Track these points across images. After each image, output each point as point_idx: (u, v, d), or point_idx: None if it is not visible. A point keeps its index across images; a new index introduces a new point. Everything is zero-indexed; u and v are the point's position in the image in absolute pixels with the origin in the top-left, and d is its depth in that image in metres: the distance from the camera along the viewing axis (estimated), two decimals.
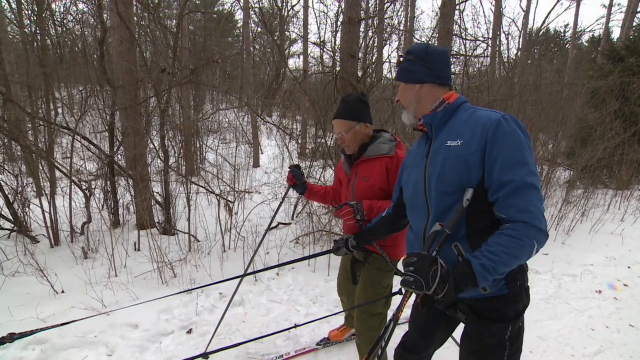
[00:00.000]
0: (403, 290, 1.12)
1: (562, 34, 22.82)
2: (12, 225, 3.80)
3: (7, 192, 3.71)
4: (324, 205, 4.49)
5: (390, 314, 2.63)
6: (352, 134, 1.73)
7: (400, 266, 1.17)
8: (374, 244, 1.68)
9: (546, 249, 4.00)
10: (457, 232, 1.05)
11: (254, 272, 2.13)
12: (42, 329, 1.53)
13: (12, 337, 1.36)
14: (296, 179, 2.05)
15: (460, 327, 1.28)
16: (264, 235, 2.43)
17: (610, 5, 14.38)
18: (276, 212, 2.39)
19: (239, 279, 2.23)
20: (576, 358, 2.26)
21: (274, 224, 4.58)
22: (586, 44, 19.16)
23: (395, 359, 1.37)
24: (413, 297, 1.11)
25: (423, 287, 0.93)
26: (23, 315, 2.51)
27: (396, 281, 2.86)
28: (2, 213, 3.76)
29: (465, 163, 1.02)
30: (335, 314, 2.26)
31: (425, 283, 0.93)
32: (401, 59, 1.23)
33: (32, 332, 1.44)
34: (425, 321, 1.29)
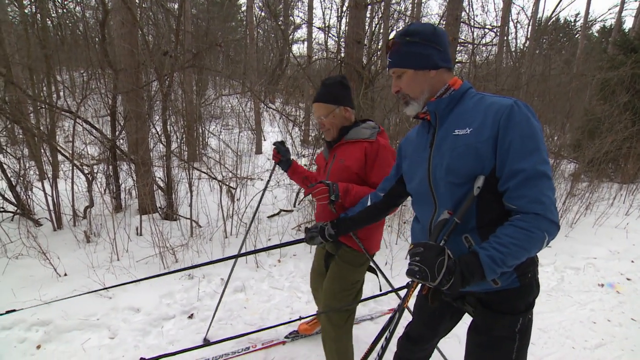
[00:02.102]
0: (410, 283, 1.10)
1: (573, 24, 22.32)
2: (15, 208, 3.80)
3: (9, 175, 3.70)
4: None
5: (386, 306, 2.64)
6: (331, 117, 1.67)
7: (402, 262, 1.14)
8: (351, 234, 1.59)
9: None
10: (467, 223, 1.01)
11: (240, 255, 2.03)
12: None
13: None
14: (281, 155, 1.96)
15: (465, 319, 1.26)
16: (258, 204, 2.37)
17: None
18: (266, 186, 2.28)
19: (234, 260, 2.17)
20: (577, 350, 2.26)
21: (275, 211, 4.57)
22: (597, 34, 18.74)
23: (399, 350, 1.36)
24: (418, 288, 1.09)
25: (428, 277, 0.90)
26: (26, 297, 2.52)
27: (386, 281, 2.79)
28: (5, 196, 3.76)
29: (475, 152, 0.98)
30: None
31: (431, 274, 0.90)
32: (401, 41, 1.09)
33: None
34: (431, 312, 1.27)
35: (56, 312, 2.35)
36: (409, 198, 1.38)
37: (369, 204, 1.44)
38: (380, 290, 1.87)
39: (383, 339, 1.06)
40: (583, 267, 3.39)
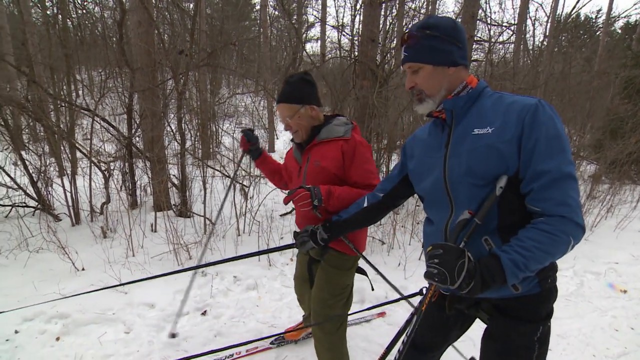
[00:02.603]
0: (424, 291, 1.06)
1: (594, 20, 21.61)
2: (36, 204, 3.91)
3: (31, 172, 3.81)
4: None
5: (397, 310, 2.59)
6: (297, 118, 1.55)
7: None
8: (342, 237, 1.48)
9: None
10: (488, 225, 0.97)
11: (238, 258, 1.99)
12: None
13: None
14: (250, 144, 1.86)
15: (478, 321, 1.22)
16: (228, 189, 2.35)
17: None
18: (226, 196, 2.24)
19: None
20: (598, 358, 2.18)
21: (288, 210, 4.57)
22: (619, 31, 18.10)
23: (404, 358, 1.31)
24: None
25: (447, 280, 0.87)
26: (46, 291, 2.59)
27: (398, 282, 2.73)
28: (27, 191, 3.87)
29: (497, 152, 0.94)
30: (359, 311, 2.17)
31: (450, 277, 0.87)
32: (419, 34, 1.02)
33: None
34: (440, 320, 1.21)
35: (74, 305, 2.40)
36: (407, 198, 1.34)
37: (365, 205, 1.36)
38: (372, 290, 1.82)
39: (400, 343, 1.03)
40: (604, 272, 3.28)
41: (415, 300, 1.17)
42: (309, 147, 1.59)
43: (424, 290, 1.03)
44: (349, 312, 1.67)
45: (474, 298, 1.06)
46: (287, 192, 1.52)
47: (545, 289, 1.01)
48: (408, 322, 1.05)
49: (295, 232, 1.57)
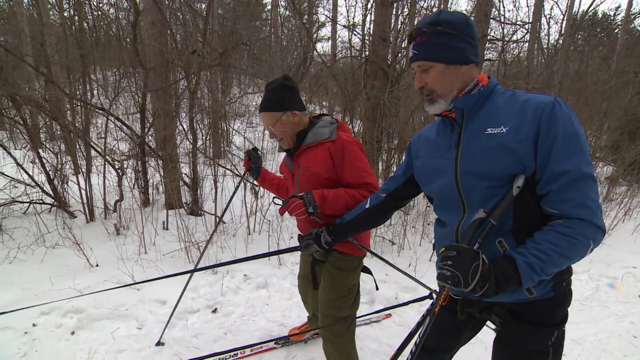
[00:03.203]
0: (433, 295, 1.04)
1: (612, 18, 21.05)
2: (53, 201, 4.01)
3: (48, 169, 3.91)
4: None
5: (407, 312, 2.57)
6: (279, 126, 1.52)
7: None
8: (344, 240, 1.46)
9: None
10: (503, 226, 0.94)
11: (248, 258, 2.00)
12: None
13: None
14: (252, 163, 1.86)
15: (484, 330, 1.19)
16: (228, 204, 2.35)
17: None
18: (230, 199, 2.24)
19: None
20: None
21: None
22: (639, 29, 17.59)
23: None
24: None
25: (461, 283, 0.85)
26: (62, 286, 2.66)
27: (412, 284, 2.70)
28: (44, 189, 3.97)
29: (512, 152, 0.90)
30: (371, 313, 2.17)
31: (464, 280, 0.85)
32: (430, 30, 0.97)
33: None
34: (450, 324, 1.18)
35: (89, 301, 2.46)
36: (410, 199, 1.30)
37: (367, 206, 1.33)
38: (377, 289, 1.81)
39: (412, 344, 1.02)
40: (621, 277, 3.19)
41: (426, 303, 1.15)
42: (297, 153, 1.58)
43: (434, 295, 1.01)
44: (358, 316, 1.66)
45: (486, 302, 1.04)
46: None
47: (560, 293, 0.98)
48: (419, 324, 1.03)
49: (299, 235, 1.56)
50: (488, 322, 1.14)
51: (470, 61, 1.00)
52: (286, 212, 1.42)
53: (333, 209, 1.43)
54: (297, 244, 1.55)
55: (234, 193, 2.28)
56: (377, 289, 1.79)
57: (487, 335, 1.25)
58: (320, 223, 1.48)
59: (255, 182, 1.93)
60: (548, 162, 0.88)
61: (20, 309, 1.58)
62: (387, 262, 1.64)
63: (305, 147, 1.54)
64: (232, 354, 2.08)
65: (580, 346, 2.28)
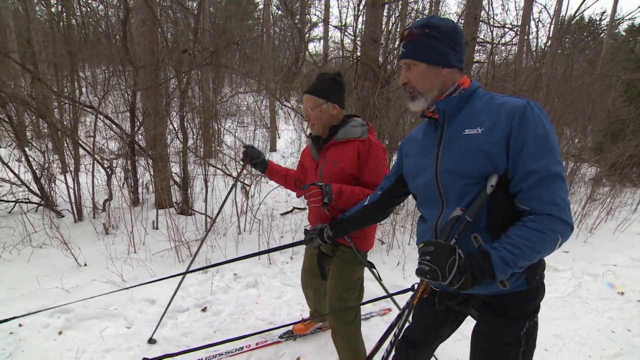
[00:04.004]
0: (416, 287, 1.09)
1: (598, 22, 21.55)
2: (40, 200, 3.96)
3: (34, 168, 3.85)
4: None
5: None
6: (317, 112, 1.64)
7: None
8: (345, 235, 1.57)
9: (567, 246, 3.87)
10: (478, 222, 1.00)
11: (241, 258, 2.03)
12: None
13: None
14: (253, 158, 1.94)
15: (469, 319, 1.24)
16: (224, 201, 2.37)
17: None
18: (224, 201, 2.28)
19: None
20: (593, 359, 2.20)
21: (289, 209, 4.60)
22: (624, 33, 18.05)
23: (397, 354, 1.34)
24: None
25: (439, 277, 0.90)
26: (49, 285, 2.63)
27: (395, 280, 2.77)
28: (31, 188, 3.91)
29: (486, 152, 0.96)
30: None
31: (442, 273, 0.90)
32: (418, 32, 1.04)
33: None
34: (431, 317, 1.24)
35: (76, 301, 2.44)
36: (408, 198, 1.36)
37: (366, 203, 1.41)
38: (380, 280, 1.87)
39: (392, 335, 1.06)
40: (602, 274, 3.30)
41: (408, 297, 1.20)
42: (326, 146, 1.68)
43: (415, 286, 1.06)
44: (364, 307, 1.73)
45: (464, 294, 1.09)
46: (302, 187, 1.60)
47: (532, 287, 1.03)
48: (399, 316, 1.08)
49: (305, 229, 1.65)
50: (469, 317, 1.19)
51: (452, 65, 1.06)
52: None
53: (347, 204, 1.53)
54: (287, 242, 1.61)
55: (227, 195, 2.29)
56: (380, 280, 1.86)
57: (471, 331, 1.29)
58: (330, 218, 1.58)
59: (264, 175, 2.02)
60: (519, 162, 0.93)
61: (29, 314, 1.51)
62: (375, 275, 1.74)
63: (335, 141, 1.64)
64: (225, 348, 2.13)
65: (562, 341, 2.36)
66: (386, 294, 1.69)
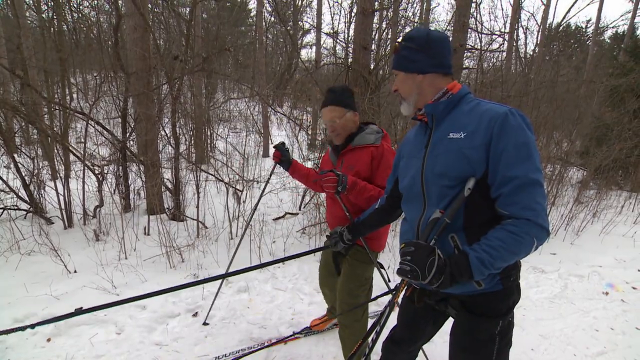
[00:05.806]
0: (399, 287, 1.13)
1: (584, 30, 22.12)
2: (29, 207, 3.92)
3: (24, 174, 3.82)
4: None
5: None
6: (343, 121, 1.75)
7: (400, 260, 1.16)
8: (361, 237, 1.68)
9: (554, 248, 3.95)
10: (455, 223, 1.04)
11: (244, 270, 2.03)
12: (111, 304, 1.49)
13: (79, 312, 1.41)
14: (281, 155, 2.08)
15: (448, 324, 1.28)
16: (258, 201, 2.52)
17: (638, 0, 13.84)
18: (267, 181, 2.46)
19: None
20: (578, 358, 2.25)
21: (281, 214, 4.62)
22: (608, 41, 18.56)
23: (384, 352, 1.38)
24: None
25: (419, 276, 0.94)
26: (38, 292, 2.61)
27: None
28: (19, 194, 3.88)
29: (467, 156, 1.00)
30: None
31: (422, 273, 0.94)
32: (400, 45, 1.16)
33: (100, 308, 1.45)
34: (414, 316, 1.29)
35: (66, 307, 2.42)
36: None
37: (377, 206, 1.50)
38: (389, 281, 2.01)
39: (374, 333, 1.09)
40: (588, 275, 3.37)
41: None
42: (343, 151, 1.80)
43: (398, 287, 1.09)
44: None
45: (442, 293, 1.14)
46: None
47: (507, 287, 1.07)
48: (381, 314, 1.11)
49: (327, 234, 1.77)
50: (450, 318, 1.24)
51: (426, 71, 1.12)
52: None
53: (358, 197, 1.65)
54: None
55: (258, 201, 2.55)
56: (388, 280, 1.97)
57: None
58: (340, 206, 1.71)
59: (288, 172, 2.15)
60: (499, 168, 0.98)
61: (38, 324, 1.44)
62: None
63: (352, 147, 1.77)
64: (220, 352, 2.18)
65: (548, 341, 2.40)
66: (380, 295, 1.76)
